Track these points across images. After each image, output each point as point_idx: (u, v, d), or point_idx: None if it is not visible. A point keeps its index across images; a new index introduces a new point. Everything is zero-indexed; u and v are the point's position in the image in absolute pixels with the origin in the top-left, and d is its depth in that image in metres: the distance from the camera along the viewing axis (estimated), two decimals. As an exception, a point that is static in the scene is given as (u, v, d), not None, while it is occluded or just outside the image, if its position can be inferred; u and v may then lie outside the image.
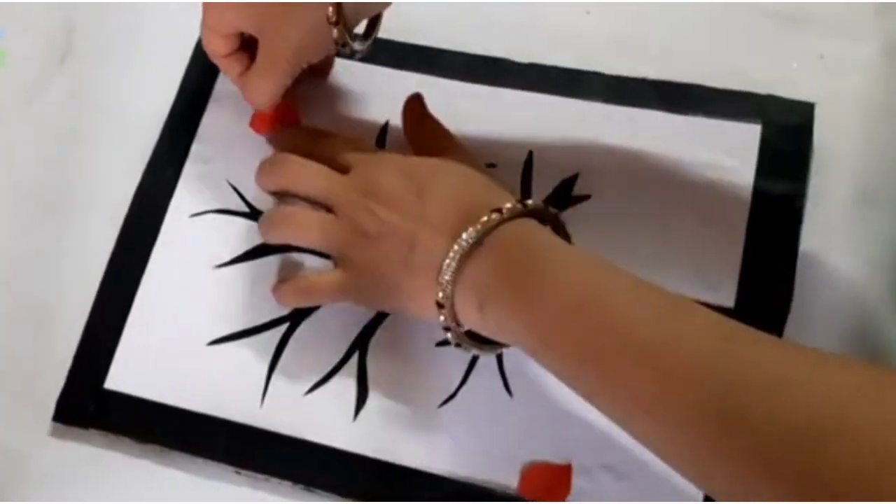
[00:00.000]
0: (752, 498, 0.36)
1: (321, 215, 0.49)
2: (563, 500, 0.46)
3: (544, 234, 0.44)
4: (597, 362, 0.40)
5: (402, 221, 0.45)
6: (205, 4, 0.50)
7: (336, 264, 0.49)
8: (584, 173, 0.52)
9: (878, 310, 0.49)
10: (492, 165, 0.53)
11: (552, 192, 0.52)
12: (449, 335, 0.45)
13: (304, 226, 0.49)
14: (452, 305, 0.44)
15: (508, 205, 0.43)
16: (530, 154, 0.53)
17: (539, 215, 0.45)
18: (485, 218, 0.43)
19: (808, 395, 0.35)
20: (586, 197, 0.52)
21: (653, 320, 0.40)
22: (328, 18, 0.47)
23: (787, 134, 0.52)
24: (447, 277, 0.43)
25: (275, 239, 0.51)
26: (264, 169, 0.51)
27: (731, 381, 0.37)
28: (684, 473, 0.39)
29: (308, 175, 0.50)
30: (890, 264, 0.50)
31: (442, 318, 0.44)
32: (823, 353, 0.38)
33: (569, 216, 0.51)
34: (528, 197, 0.52)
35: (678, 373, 0.38)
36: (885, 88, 0.53)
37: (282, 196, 0.52)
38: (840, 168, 0.52)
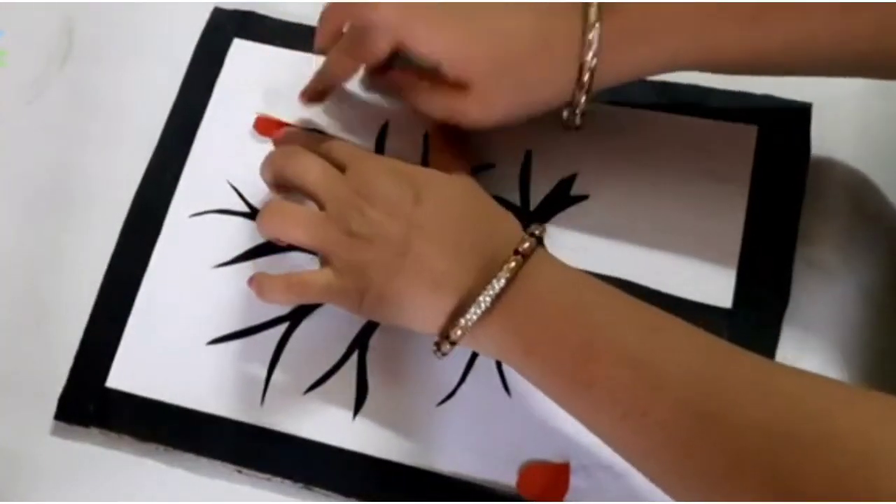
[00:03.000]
0: (715, 497, 0.36)
1: (310, 211, 0.47)
2: (561, 499, 0.46)
3: (545, 260, 0.44)
4: (580, 365, 0.40)
5: (395, 226, 0.44)
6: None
7: (322, 263, 0.47)
8: (583, 173, 0.53)
9: (876, 310, 0.49)
10: (490, 165, 0.53)
11: (550, 192, 0.52)
12: (437, 347, 0.45)
13: (290, 219, 0.47)
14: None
15: (526, 245, 0.43)
16: (528, 154, 0.53)
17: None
18: (512, 264, 0.42)
19: (791, 401, 0.36)
20: (584, 197, 0.52)
21: (639, 330, 0.40)
22: (580, 83, 0.46)
23: (784, 134, 0.52)
24: (470, 322, 0.42)
25: (266, 232, 0.49)
26: (268, 157, 0.50)
27: (714, 381, 0.37)
28: (653, 477, 0.40)
29: (304, 164, 0.48)
30: (887, 265, 0.50)
31: (443, 346, 0.44)
32: (801, 369, 0.38)
33: (567, 216, 0.52)
34: (527, 197, 0.52)
35: (661, 375, 0.38)
36: (881, 88, 0.53)
37: (283, 193, 0.52)
38: (837, 168, 0.52)
